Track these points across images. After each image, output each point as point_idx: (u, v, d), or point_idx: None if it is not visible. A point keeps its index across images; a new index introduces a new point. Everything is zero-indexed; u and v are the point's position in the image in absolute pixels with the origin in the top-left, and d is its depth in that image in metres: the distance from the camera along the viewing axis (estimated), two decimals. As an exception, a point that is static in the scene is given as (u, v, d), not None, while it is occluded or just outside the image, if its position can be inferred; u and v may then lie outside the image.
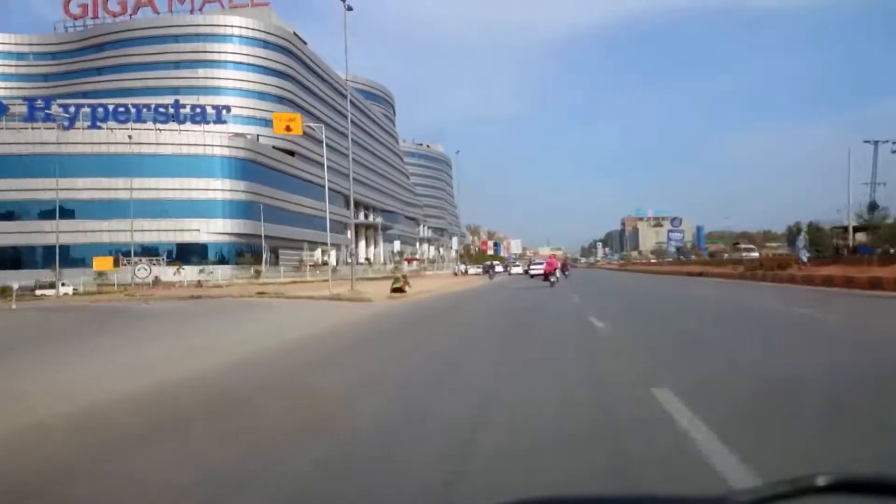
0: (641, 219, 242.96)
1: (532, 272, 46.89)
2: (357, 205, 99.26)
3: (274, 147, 70.74)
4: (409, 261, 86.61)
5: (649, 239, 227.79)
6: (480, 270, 71.11)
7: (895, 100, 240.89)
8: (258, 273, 52.93)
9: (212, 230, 62.33)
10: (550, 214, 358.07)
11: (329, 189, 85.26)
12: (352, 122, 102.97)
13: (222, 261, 62.61)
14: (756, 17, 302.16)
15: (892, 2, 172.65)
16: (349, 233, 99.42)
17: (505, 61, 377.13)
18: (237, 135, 63.98)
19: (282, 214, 70.00)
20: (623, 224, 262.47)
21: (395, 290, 25.35)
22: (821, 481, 0.96)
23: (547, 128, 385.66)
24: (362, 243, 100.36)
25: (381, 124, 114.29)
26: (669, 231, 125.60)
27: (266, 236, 65.42)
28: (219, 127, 63.57)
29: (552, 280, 31.30)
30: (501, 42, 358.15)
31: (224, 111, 62.98)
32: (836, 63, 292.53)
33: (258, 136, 68.61)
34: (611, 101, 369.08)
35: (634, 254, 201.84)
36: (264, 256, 60.40)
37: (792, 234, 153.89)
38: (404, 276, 26.45)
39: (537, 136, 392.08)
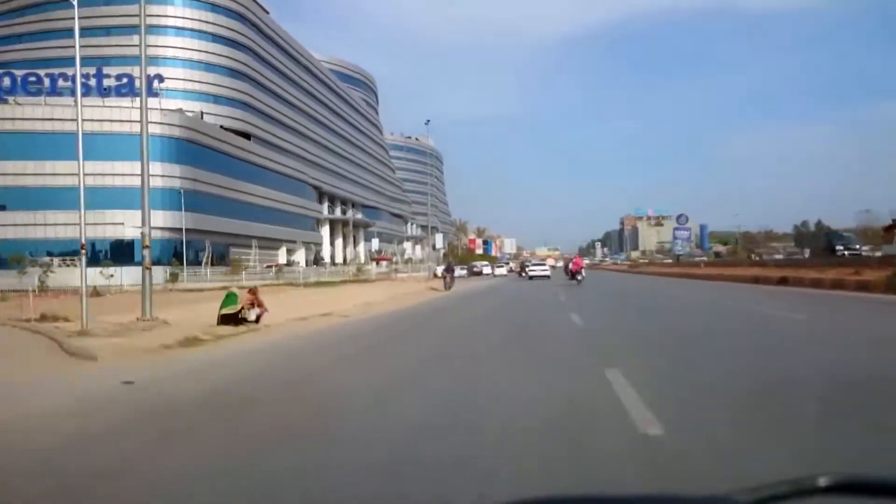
0: (641, 218, 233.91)
1: (531, 273, 44.89)
2: (332, 199, 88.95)
3: (223, 127, 60.36)
4: (379, 261, 76.20)
5: (649, 239, 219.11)
6: (465, 273, 61.01)
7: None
8: (175, 277, 42.46)
9: (139, 224, 51.89)
10: (547, 215, 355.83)
11: (296, 180, 74.92)
12: (326, 106, 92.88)
13: (156, 261, 52.11)
14: (757, 17, 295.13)
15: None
16: (323, 229, 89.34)
17: (503, 61, 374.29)
18: (172, 110, 53.49)
19: (234, 207, 59.63)
20: (622, 224, 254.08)
21: (226, 321, 13.65)
22: (822, 482, 0.96)
23: (543, 128, 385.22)
24: (339, 241, 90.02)
25: (362, 111, 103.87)
26: (675, 229, 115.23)
27: (209, 231, 55.02)
28: (153, 102, 53.10)
29: (579, 278, 33.98)
30: (499, 42, 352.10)
31: (156, 81, 52.44)
32: (839, 61, 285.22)
33: (202, 112, 58.22)
34: (608, 102, 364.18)
35: (636, 254, 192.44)
36: (185, 255, 49.85)
37: (800, 234, 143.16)
38: (253, 290, 14.37)
39: (534, 136, 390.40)
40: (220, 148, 58.33)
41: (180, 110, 54.82)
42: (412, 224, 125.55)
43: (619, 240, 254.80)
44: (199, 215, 54.06)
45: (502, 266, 75.71)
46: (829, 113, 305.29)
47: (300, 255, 74.05)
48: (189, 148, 54.16)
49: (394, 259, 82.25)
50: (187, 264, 49.58)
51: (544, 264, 55.15)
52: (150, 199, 16.35)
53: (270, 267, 55.30)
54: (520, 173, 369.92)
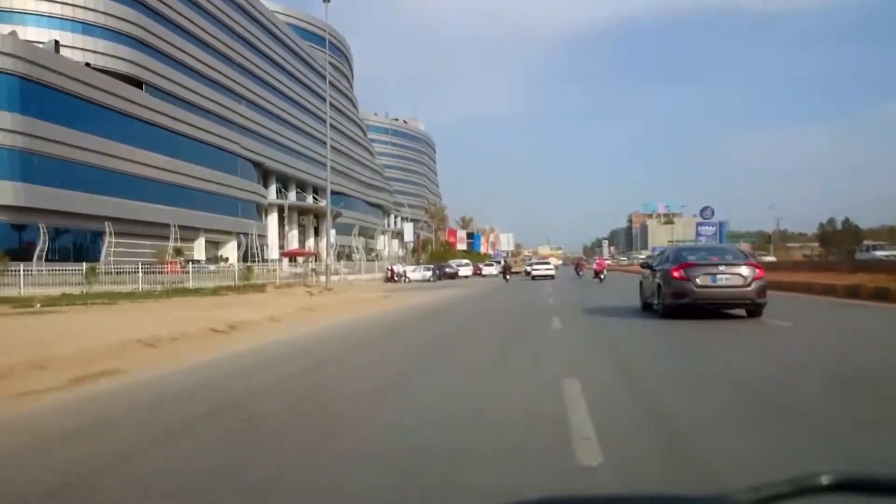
0: (651, 215, 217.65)
1: (534, 273, 44.16)
2: (284, 181, 72.36)
3: (94, 67, 43.67)
4: (294, 255, 59.41)
5: (660, 237, 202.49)
6: (430, 275, 44.65)
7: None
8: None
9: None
10: (549, 213, 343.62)
11: (225, 151, 57.91)
12: (273, 62, 72.42)
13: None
14: (770, 15, 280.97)
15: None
16: (267, 219, 72.79)
17: (509, 60, 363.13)
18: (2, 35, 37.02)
19: (114, 181, 43.15)
20: (630, 221, 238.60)
21: None
22: (822, 481, 0.95)
23: (548, 127, 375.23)
24: (293, 233, 73.41)
25: (330, 79, 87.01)
26: (699, 225, 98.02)
27: (61, 213, 38.60)
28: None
29: (601, 277, 35.06)
30: (506, 40, 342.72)
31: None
32: (853, 62, 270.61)
33: (57, 43, 41.48)
34: (615, 100, 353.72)
35: (646, 253, 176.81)
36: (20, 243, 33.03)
37: (826, 234, 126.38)
38: None
39: (538, 135, 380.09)
40: (91, 97, 41.68)
41: (13, 34, 38.14)
42: (397, 217, 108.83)
43: (626, 238, 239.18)
44: (47, 190, 37.65)
45: (493, 265, 59.17)
46: (847, 111, 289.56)
47: (231, 250, 57.59)
48: (33, 90, 37.56)
49: (354, 256, 65.60)
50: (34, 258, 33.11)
51: (548, 262, 50.44)
52: None
53: (168, 263, 38.46)
54: (521, 171, 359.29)
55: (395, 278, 42.81)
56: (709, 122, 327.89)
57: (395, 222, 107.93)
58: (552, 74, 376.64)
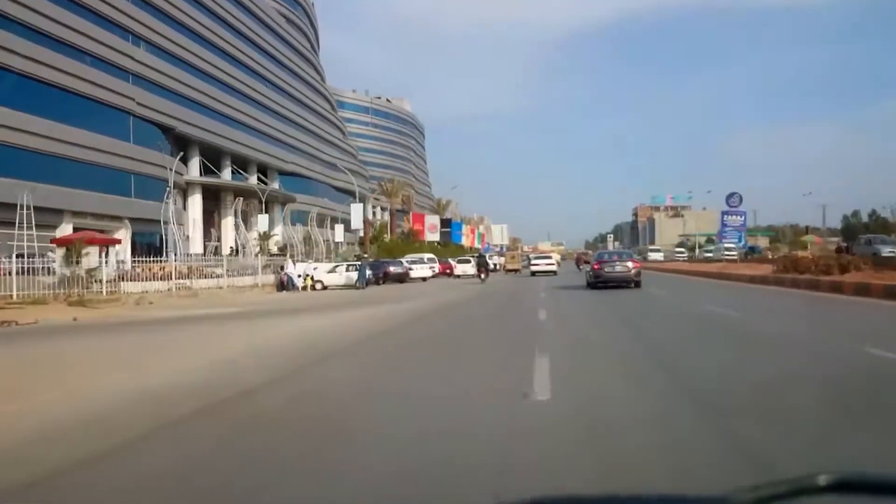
0: (658, 208, 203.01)
1: (534, 268, 41.65)
2: (211, 153, 57.85)
3: None
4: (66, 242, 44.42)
5: (668, 231, 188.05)
6: (356, 277, 30.07)
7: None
8: None
9: None
10: (550, 209, 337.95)
11: (118, 110, 43.50)
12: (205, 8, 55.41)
13: None
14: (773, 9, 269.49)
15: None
16: (188, 202, 57.96)
17: (509, 57, 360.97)
18: None
19: None
20: (635, 215, 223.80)
21: None
22: (822, 481, 0.95)
23: (547, 123, 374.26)
24: (228, 220, 58.82)
25: (282, 34, 72.17)
26: (725, 214, 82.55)
27: None
28: None
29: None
30: (505, 37, 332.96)
31: None
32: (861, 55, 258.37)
33: None
34: (617, 96, 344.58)
35: (653, 250, 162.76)
36: None
37: (850, 228, 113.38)
38: None
39: (537, 131, 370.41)
40: None
41: None
42: (376, 206, 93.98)
43: (632, 233, 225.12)
44: None
45: (471, 261, 44.67)
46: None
47: (126, 238, 43.01)
48: None
49: (244, 246, 50.66)
50: None
51: (549, 257, 47.19)
52: None
53: None
54: (520, 168, 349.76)
55: (290, 286, 27.60)
56: (714, 118, 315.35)
57: (370, 211, 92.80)
58: (551, 68, 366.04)
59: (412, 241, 52.46)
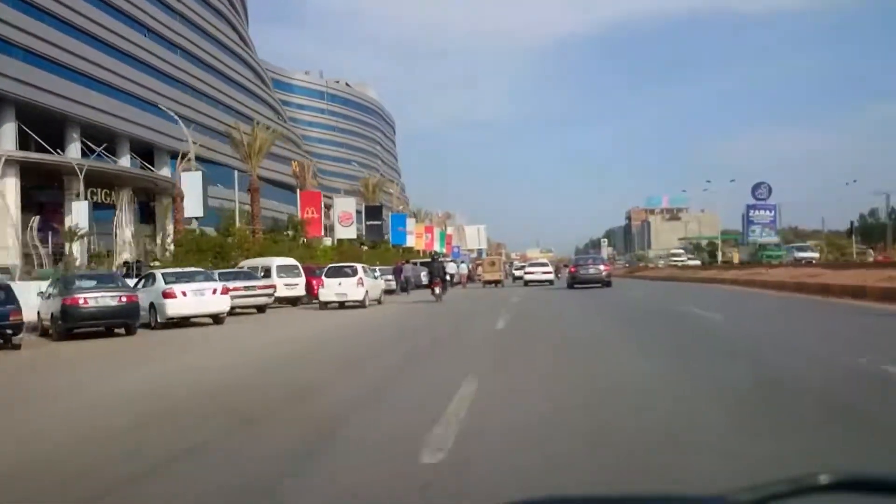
0: (653, 211, 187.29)
1: (528, 278, 38.31)
2: (56, 122, 39.59)
3: None
4: None
5: (664, 235, 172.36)
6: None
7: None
8: None
9: None
10: (539, 215, 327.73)
11: None
12: None
13: None
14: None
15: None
16: (4, 183, 38.96)
17: (496, 65, 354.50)
18: None
19: None
20: (629, 219, 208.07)
21: None
22: (822, 480, 0.94)
23: (534, 131, 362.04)
24: (83, 205, 40.71)
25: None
26: (750, 208, 65.74)
27: None
28: None
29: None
30: (493, 46, 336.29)
31: None
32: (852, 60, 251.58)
33: None
34: (604, 103, 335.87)
35: (653, 255, 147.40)
36: None
37: (867, 227, 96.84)
38: None
39: (524, 139, 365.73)
40: None
41: None
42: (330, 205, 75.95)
43: (625, 238, 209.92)
44: None
45: (384, 274, 27.28)
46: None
47: None
48: None
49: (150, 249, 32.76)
50: None
51: (545, 264, 42.49)
52: None
53: None
54: (509, 177, 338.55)
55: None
56: (700, 126, 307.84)
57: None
58: (541, 76, 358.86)
59: (296, 238, 32.93)
